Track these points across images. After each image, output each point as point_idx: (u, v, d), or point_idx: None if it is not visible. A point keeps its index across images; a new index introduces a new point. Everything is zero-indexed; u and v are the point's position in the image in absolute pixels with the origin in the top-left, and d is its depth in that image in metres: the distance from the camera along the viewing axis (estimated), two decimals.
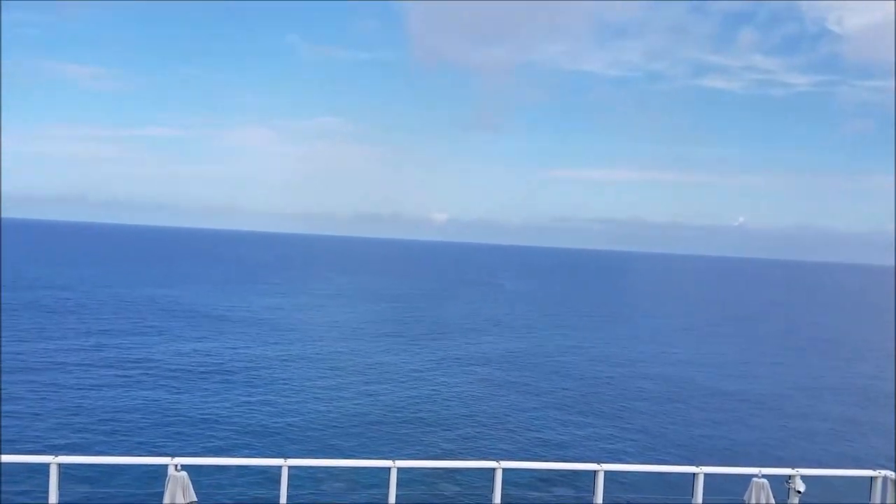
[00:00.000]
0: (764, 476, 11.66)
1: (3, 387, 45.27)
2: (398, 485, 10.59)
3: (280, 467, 10.28)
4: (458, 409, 46.60)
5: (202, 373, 53.09)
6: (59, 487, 9.54)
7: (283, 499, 10.40)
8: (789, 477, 12.06)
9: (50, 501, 9.62)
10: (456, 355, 67.57)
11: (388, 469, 10.65)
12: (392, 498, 10.65)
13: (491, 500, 11.11)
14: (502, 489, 11.03)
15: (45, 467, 9.59)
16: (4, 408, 40.43)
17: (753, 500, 11.68)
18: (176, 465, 9.82)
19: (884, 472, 12.33)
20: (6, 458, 10.03)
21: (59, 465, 9.59)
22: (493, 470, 10.99)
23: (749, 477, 11.82)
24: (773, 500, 11.67)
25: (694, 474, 11.73)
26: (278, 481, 10.31)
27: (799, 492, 12.02)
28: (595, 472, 11.41)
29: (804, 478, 12.15)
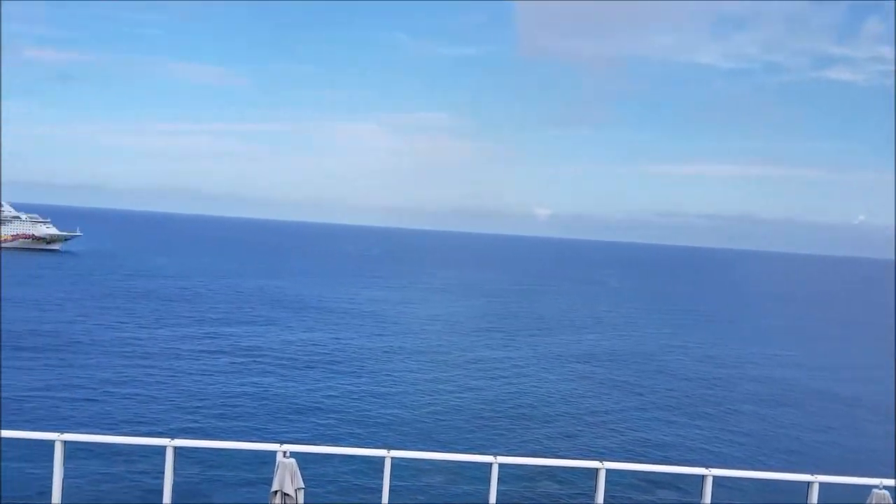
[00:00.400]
0: (885, 488, 11.04)
1: (123, 371, 47.77)
2: (499, 481, 10.56)
3: (383, 458, 10.41)
4: (559, 405, 46.24)
5: (309, 362, 54.54)
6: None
7: (386, 489, 10.53)
8: None
9: (166, 484, 10.09)
10: (558, 352, 67.04)
11: (490, 465, 10.63)
12: (493, 496, 10.63)
13: (594, 501, 10.94)
14: (605, 490, 10.84)
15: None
16: (125, 391, 42.65)
17: None
18: (285, 452, 10.08)
19: None
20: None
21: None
22: (596, 470, 10.80)
23: (868, 488, 11.22)
24: None
25: (808, 483, 11.21)
26: (381, 471, 10.45)
27: None
28: (703, 477, 11.05)
29: None
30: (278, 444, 10.29)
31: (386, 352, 61.23)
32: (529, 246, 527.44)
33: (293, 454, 10.10)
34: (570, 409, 45.42)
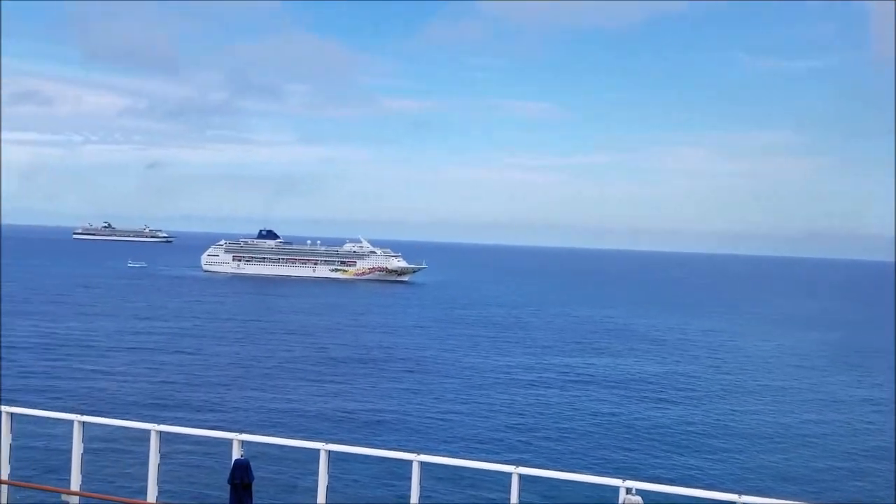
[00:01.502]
0: None
1: (465, 394, 50.36)
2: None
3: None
4: None
5: (643, 392, 53.24)
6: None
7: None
8: None
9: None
10: None
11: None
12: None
13: None
14: None
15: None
16: (468, 413, 44.81)
17: None
18: (629, 489, 9.69)
19: None
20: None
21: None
22: None
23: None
24: None
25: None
26: None
27: None
28: None
29: None
30: (620, 480, 9.88)
31: (724, 387, 57.84)
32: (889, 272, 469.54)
33: (639, 491, 9.64)
34: None
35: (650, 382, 57.71)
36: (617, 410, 47.38)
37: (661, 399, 51.82)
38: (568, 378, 58.17)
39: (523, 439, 39.69)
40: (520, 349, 72.41)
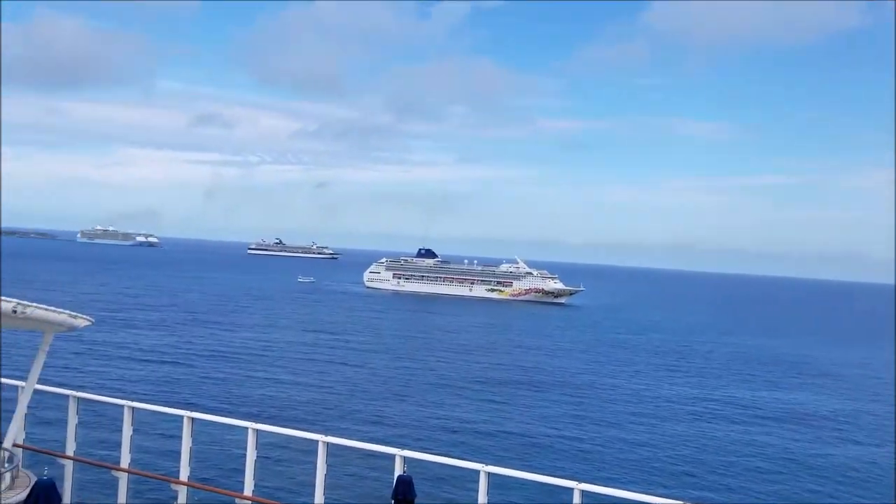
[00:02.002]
0: None
1: (632, 427, 48.90)
2: None
3: None
4: None
5: (818, 427, 49.76)
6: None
7: None
8: None
9: None
10: None
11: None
12: None
13: None
14: None
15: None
16: (630, 441, 43.45)
17: None
18: None
19: None
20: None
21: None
22: None
23: None
24: None
25: None
26: None
27: None
28: None
29: None
30: None
31: None
32: None
33: None
34: None
35: (826, 419, 53.85)
36: (791, 447, 44.46)
37: (840, 438, 48.18)
38: (735, 410, 55.26)
39: (688, 470, 37.98)
40: (682, 377, 69.66)
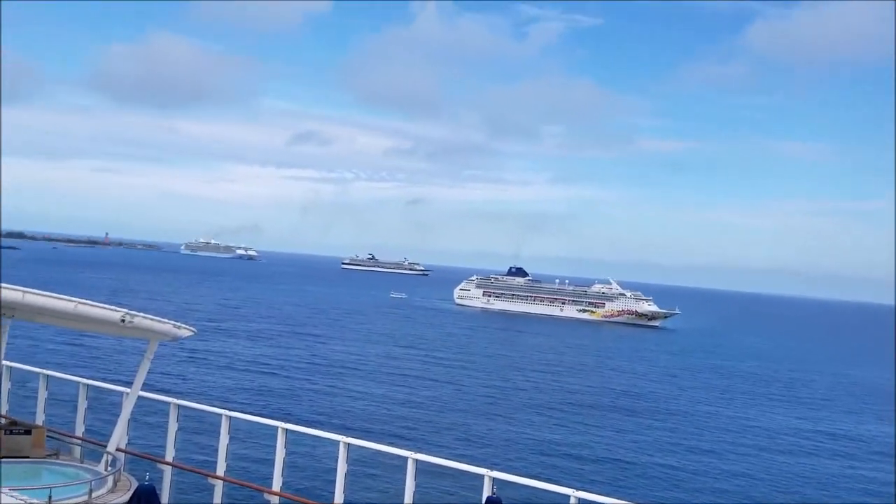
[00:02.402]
0: None
1: (728, 456, 47.20)
2: None
3: None
4: None
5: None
6: None
7: None
8: None
9: None
10: None
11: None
12: None
13: None
14: None
15: None
16: (723, 469, 41.88)
17: None
18: None
19: None
20: None
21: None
22: None
23: None
24: None
25: None
26: None
27: None
28: None
29: None
30: None
31: None
32: None
33: None
34: None
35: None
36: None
37: None
38: (839, 443, 52.64)
39: (788, 501, 36.35)
40: (781, 407, 66.80)
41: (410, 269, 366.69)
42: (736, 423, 57.04)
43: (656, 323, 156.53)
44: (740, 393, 73.12)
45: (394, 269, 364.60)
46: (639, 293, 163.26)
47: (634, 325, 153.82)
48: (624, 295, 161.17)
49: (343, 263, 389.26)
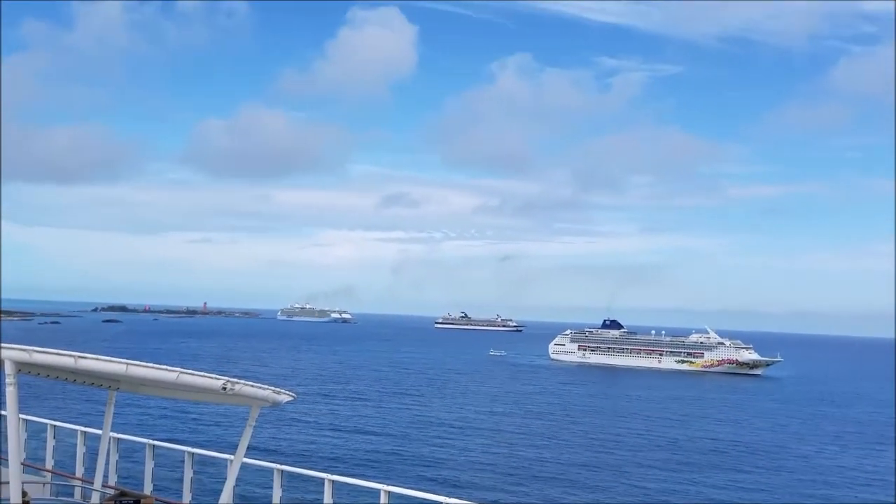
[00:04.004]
0: None
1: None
2: None
3: None
4: None
5: None
6: None
7: None
8: None
9: None
10: None
11: None
12: None
13: None
14: None
15: None
16: None
17: None
18: None
19: None
20: None
21: None
22: None
23: None
24: None
25: None
26: None
27: None
28: None
29: None
30: None
31: None
32: None
33: None
34: None
35: None
36: None
37: None
38: None
39: None
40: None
41: (503, 326, 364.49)
42: (846, 471, 53.57)
43: (758, 371, 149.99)
44: (851, 438, 68.89)
45: (487, 326, 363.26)
46: (738, 341, 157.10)
47: (736, 374, 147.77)
48: (723, 344, 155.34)
49: (436, 323, 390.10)
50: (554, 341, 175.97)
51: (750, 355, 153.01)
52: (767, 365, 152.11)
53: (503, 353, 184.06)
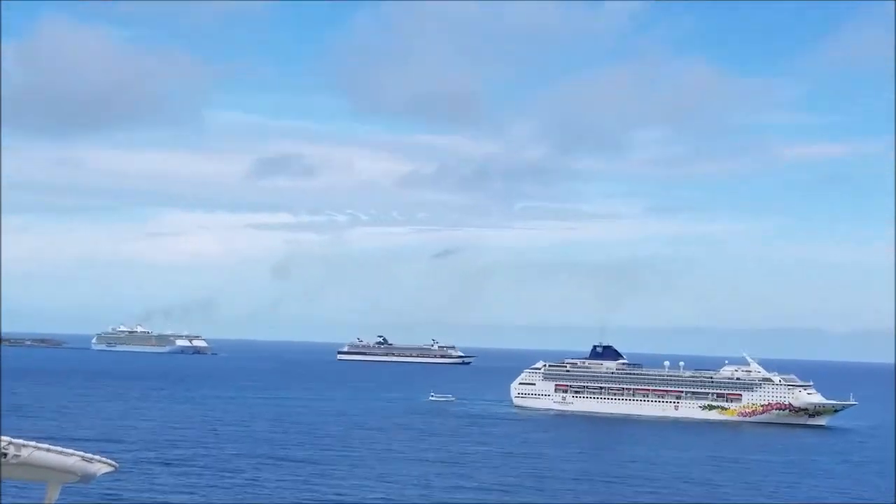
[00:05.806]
0: None
1: None
2: None
3: None
4: None
5: None
6: None
7: None
8: None
9: None
10: None
11: None
12: None
13: None
14: None
15: None
16: None
17: None
18: None
19: None
20: None
21: None
22: None
23: None
24: None
25: None
26: None
27: None
28: None
29: None
30: None
31: None
32: None
33: None
34: None
35: None
36: None
37: None
38: None
39: None
40: None
41: (442, 356, 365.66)
42: None
43: (822, 421, 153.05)
44: None
45: (417, 356, 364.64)
46: (792, 377, 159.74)
47: (788, 424, 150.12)
48: (770, 381, 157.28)
49: (340, 352, 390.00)
50: (519, 379, 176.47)
51: (809, 397, 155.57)
52: (835, 411, 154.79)
53: (451, 397, 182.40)
